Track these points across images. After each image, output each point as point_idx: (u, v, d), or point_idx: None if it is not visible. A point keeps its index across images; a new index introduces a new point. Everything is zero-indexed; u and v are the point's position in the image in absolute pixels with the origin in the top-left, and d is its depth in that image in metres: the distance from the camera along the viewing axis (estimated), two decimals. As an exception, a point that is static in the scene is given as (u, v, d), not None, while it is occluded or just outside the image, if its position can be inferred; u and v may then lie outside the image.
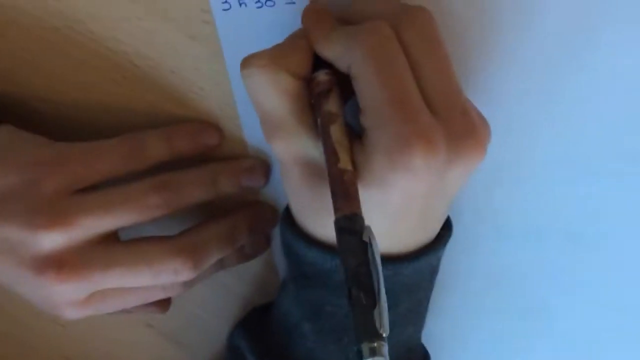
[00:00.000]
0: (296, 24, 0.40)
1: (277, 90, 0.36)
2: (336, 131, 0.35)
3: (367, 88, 0.34)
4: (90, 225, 0.42)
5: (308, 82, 0.37)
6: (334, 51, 0.36)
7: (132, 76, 0.45)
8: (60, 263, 0.41)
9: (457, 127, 0.34)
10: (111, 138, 0.44)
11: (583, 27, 0.39)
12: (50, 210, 0.41)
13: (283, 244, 0.42)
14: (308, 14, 0.38)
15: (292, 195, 0.39)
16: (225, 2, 0.40)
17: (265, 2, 0.39)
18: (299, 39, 0.38)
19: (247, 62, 0.36)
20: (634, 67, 0.40)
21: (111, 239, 0.43)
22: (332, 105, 0.36)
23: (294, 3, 0.39)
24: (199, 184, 0.45)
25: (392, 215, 0.36)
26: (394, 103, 0.33)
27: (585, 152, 0.43)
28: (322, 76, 0.37)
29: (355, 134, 0.36)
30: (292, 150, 0.37)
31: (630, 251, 0.47)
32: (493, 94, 0.42)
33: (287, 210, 0.41)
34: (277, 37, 0.40)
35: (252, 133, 0.46)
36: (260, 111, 0.37)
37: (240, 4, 0.40)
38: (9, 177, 0.42)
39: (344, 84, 0.36)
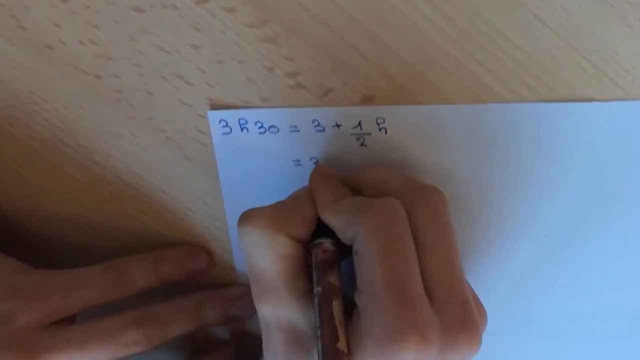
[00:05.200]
0: (299, 151, 0.38)
1: (273, 254, 0.34)
2: (337, 307, 0.33)
3: (369, 269, 0.32)
4: None
5: (306, 245, 0.35)
6: (340, 222, 0.34)
7: (120, 193, 0.43)
8: None
9: (454, 318, 0.32)
10: (93, 266, 0.42)
11: (581, 224, 0.40)
12: (22, 346, 0.38)
13: None
14: (316, 177, 0.37)
15: None
16: (226, 126, 0.38)
17: (269, 128, 0.38)
18: (304, 201, 0.36)
19: (246, 219, 0.35)
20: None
21: None
22: (335, 278, 0.34)
23: (298, 131, 0.38)
24: (182, 317, 0.42)
25: None
26: (394, 290, 0.31)
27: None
28: (330, 245, 0.35)
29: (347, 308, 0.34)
30: (279, 316, 0.35)
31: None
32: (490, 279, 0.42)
33: None
34: (276, 164, 0.39)
35: (242, 259, 0.44)
36: (252, 270, 0.35)
37: (242, 129, 0.38)
38: None
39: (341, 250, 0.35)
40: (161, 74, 0.38)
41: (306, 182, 0.39)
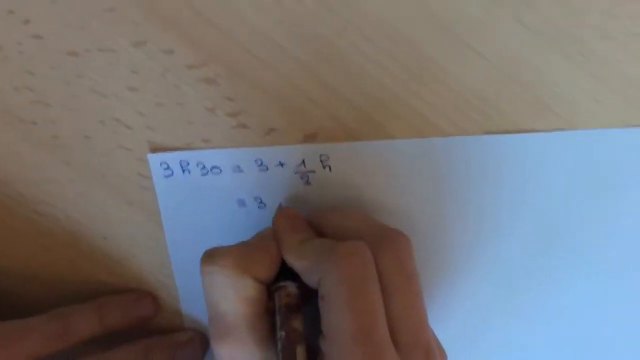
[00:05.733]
0: (243, 191, 0.38)
1: (237, 296, 0.33)
2: (300, 353, 0.32)
3: (336, 315, 0.31)
4: None
5: (269, 286, 0.35)
6: (305, 265, 0.34)
7: (61, 241, 0.42)
8: None
9: None
10: (36, 316, 0.41)
11: (533, 254, 0.40)
12: None
13: None
14: (280, 219, 0.36)
15: None
16: (168, 168, 0.37)
17: (211, 169, 0.37)
18: (269, 242, 0.36)
19: (210, 258, 0.34)
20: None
21: None
22: (299, 322, 0.33)
23: (241, 171, 0.37)
24: (130, 365, 0.41)
25: None
26: (361, 337, 0.31)
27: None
28: (294, 289, 0.34)
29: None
30: (238, 358, 0.34)
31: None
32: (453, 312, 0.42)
33: None
34: (221, 205, 0.38)
35: (188, 304, 0.44)
36: (212, 311, 0.34)
37: (184, 171, 0.37)
38: None
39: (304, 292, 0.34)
40: (99, 118, 0.37)
41: (251, 223, 0.39)
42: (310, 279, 0.33)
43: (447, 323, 0.41)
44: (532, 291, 0.41)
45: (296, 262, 0.34)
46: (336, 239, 0.34)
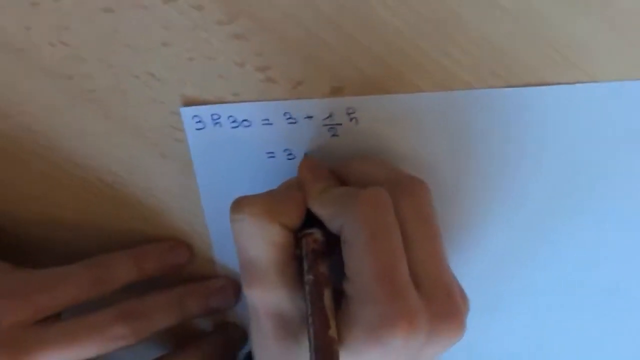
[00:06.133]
0: (273, 144, 0.39)
1: (265, 242, 0.35)
2: (327, 296, 0.33)
3: (358, 258, 0.33)
4: (51, 358, 0.39)
5: (296, 234, 0.36)
6: (327, 211, 0.35)
7: (98, 192, 0.43)
8: None
9: (440, 308, 0.33)
10: (75, 263, 0.42)
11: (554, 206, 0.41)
12: (10, 345, 0.39)
13: None
14: (304, 168, 0.38)
15: (258, 347, 0.37)
16: (200, 121, 0.39)
17: (242, 122, 0.38)
18: (295, 190, 0.37)
19: (239, 207, 0.35)
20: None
21: None
22: (325, 267, 0.34)
23: (270, 124, 0.38)
24: (166, 310, 0.43)
25: None
26: (383, 279, 0.32)
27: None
28: (320, 236, 0.35)
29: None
30: (268, 302, 0.35)
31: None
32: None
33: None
34: (251, 157, 0.39)
35: (221, 251, 0.45)
36: (242, 257, 0.35)
37: (215, 124, 0.39)
38: None
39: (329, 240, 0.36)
40: (133, 73, 0.38)
41: (280, 174, 0.40)
42: (333, 226, 0.35)
43: (466, 270, 0.42)
44: (552, 239, 0.42)
45: (320, 210, 0.35)
46: (357, 186, 0.36)
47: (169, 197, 0.43)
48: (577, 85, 0.36)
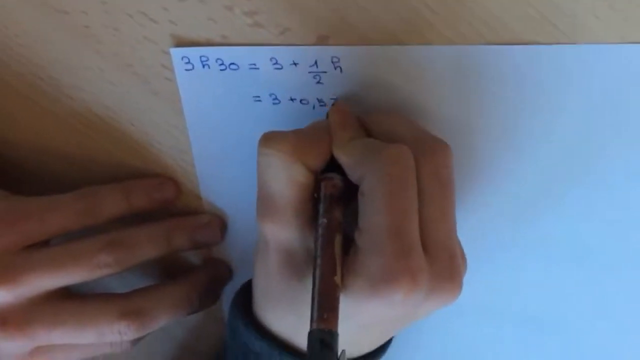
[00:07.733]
0: (259, 88, 0.40)
1: (288, 179, 0.36)
2: (338, 241, 0.35)
3: (372, 212, 0.34)
4: (37, 282, 0.41)
5: (317, 176, 0.37)
6: (351, 160, 0.36)
7: (91, 125, 0.45)
8: (4, 320, 0.41)
9: (442, 269, 0.34)
10: (66, 193, 0.44)
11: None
12: None
13: (230, 328, 0.42)
14: (334, 113, 0.39)
15: (261, 279, 0.39)
16: (189, 62, 0.40)
17: (229, 65, 0.39)
18: (323, 134, 0.38)
19: (268, 142, 0.36)
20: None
21: (59, 295, 0.42)
22: (340, 213, 0.36)
23: (257, 68, 0.39)
24: (152, 242, 0.44)
25: (359, 328, 0.36)
26: (393, 235, 0.33)
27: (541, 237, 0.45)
28: (339, 182, 0.36)
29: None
30: (280, 237, 0.36)
31: (588, 336, 0.48)
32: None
33: (240, 296, 0.41)
34: (238, 99, 0.40)
35: (208, 189, 0.46)
36: (263, 190, 0.37)
37: (204, 66, 0.40)
38: None
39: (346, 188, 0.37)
40: (127, 11, 0.39)
41: (265, 117, 0.41)
42: (353, 175, 0.36)
43: (472, 226, 0.43)
44: (560, 196, 0.43)
45: (343, 157, 0.36)
46: (381, 139, 0.37)
47: (159, 134, 0.44)
48: (556, 46, 0.37)
